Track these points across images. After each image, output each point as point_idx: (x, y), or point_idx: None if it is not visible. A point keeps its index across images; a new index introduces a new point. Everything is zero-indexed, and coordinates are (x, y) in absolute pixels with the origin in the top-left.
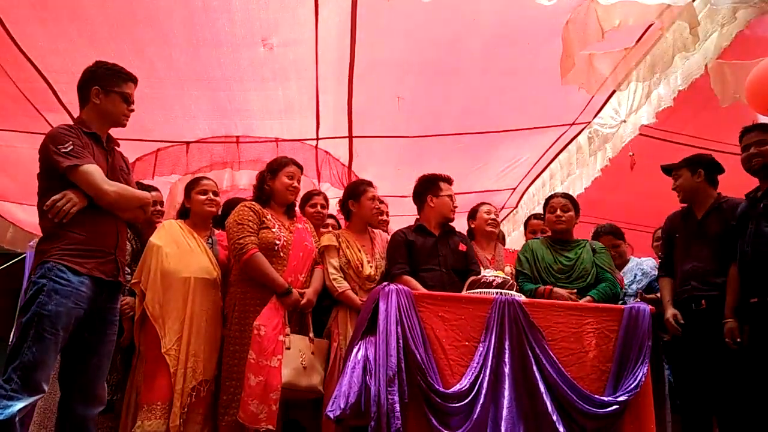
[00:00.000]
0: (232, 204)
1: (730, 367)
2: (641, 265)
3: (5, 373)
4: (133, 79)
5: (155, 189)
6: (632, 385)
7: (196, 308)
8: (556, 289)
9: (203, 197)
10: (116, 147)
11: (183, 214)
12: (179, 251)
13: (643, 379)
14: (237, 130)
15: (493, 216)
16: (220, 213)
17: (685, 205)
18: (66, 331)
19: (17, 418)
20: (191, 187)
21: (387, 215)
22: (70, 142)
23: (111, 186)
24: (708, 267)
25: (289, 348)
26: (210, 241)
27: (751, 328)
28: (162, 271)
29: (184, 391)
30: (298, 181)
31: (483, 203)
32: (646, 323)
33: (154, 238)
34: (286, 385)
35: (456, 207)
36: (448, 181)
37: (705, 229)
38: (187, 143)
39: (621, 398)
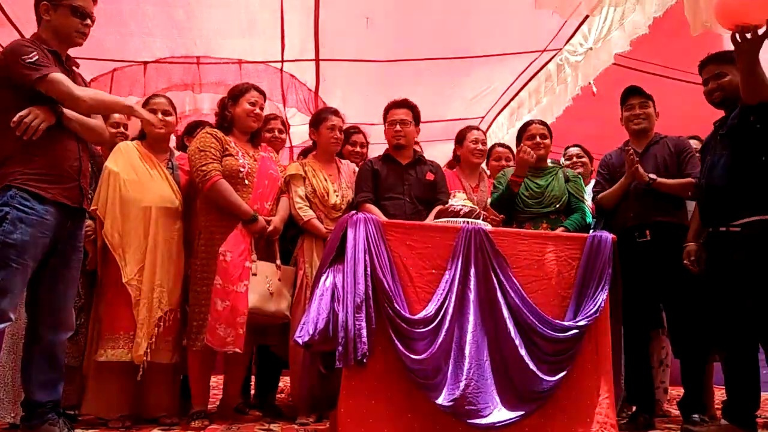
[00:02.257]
0: (194, 127)
1: (677, 291)
2: None
3: None
4: None
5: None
6: (592, 310)
7: (159, 238)
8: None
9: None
10: (75, 68)
11: (141, 135)
12: (138, 178)
13: (602, 304)
14: (197, 50)
15: (480, 146)
16: (182, 135)
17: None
18: (34, 260)
19: None
20: (142, 106)
21: (364, 146)
22: (35, 52)
23: (84, 91)
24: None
25: (255, 274)
26: (170, 165)
27: (708, 256)
28: (120, 199)
29: (150, 321)
30: (261, 108)
31: (471, 128)
32: (607, 251)
33: (110, 163)
34: (252, 310)
35: (398, 131)
36: (397, 105)
37: (648, 162)
38: (145, 63)
39: (581, 323)
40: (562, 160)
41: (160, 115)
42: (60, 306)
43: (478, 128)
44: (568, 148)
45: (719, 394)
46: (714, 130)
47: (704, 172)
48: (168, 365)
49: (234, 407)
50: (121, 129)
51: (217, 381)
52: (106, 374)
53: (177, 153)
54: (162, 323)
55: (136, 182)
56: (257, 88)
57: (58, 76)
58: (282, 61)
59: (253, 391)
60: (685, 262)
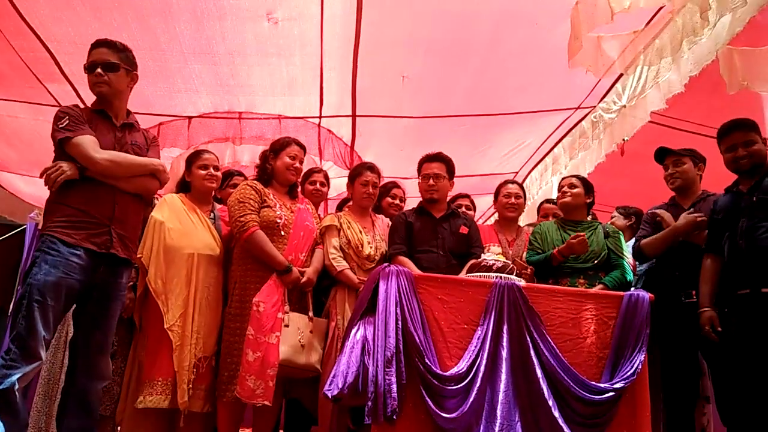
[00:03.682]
0: (227, 176)
1: (716, 357)
2: None
3: (6, 345)
4: (100, 44)
5: None
6: (629, 372)
7: (200, 284)
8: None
9: (204, 172)
10: (134, 123)
11: (183, 187)
12: (182, 227)
13: (640, 366)
14: (240, 106)
15: (513, 200)
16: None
17: (672, 195)
18: (56, 300)
19: (17, 387)
20: (192, 160)
21: (403, 200)
22: (66, 118)
23: (101, 153)
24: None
25: (287, 325)
26: (212, 216)
27: (739, 320)
28: (165, 247)
29: (189, 367)
30: (301, 162)
31: (507, 182)
32: (644, 310)
33: (156, 213)
34: (283, 362)
35: (432, 185)
36: (430, 159)
37: None
38: (190, 118)
39: (617, 385)
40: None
41: (211, 170)
42: (96, 353)
43: (514, 181)
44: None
45: None
46: (735, 193)
47: (741, 234)
48: (199, 414)
49: None
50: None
51: None
52: (140, 422)
53: (219, 206)
54: (196, 369)
55: (180, 231)
56: (298, 143)
57: (80, 139)
58: (320, 117)
59: None
60: (706, 328)
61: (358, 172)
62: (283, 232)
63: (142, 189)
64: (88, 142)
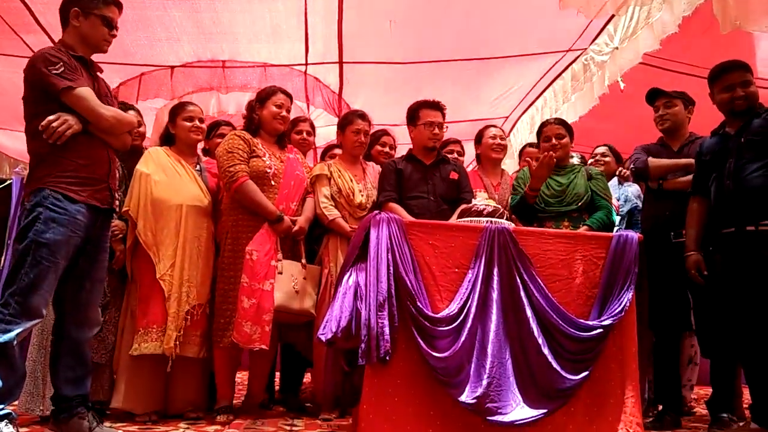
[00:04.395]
0: (214, 126)
1: (702, 292)
2: (625, 192)
3: (2, 298)
4: (116, 3)
5: (132, 107)
6: (617, 310)
7: (189, 235)
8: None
9: (189, 124)
10: (99, 73)
11: (167, 140)
12: (168, 179)
13: (628, 303)
14: (223, 55)
15: (498, 141)
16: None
17: (661, 136)
18: (65, 259)
19: (15, 342)
20: (176, 112)
21: (393, 148)
22: (61, 64)
23: (108, 110)
24: None
25: (281, 273)
26: (198, 168)
27: (723, 257)
28: (152, 200)
29: (178, 315)
30: (288, 111)
31: (489, 126)
32: (633, 250)
33: (141, 166)
34: (278, 308)
35: (437, 134)
36: (432, 106)
37: None
38: (172, 67)
39: (606, 322)
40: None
41: (197, 122)
42: (86, 304)
43: (495, 126)
44: (597, 147)
45: (748, 394)
46: (722, 135)
47: (728, 175)
48: (195, 360)
49: (258, 403)
50: (139, 129)
51: (242, 377)
52: (137, 369)
53: (205, 158)
54: (189, 317)
55: (166, 183)
56: (284, 91)
57: (84, 91)
58: (306, 64)
59: (277, 388)
60: (693, 272)
61: (349, 120)
62: (273, 182)
63: (123, 146)
64: (91, 96)
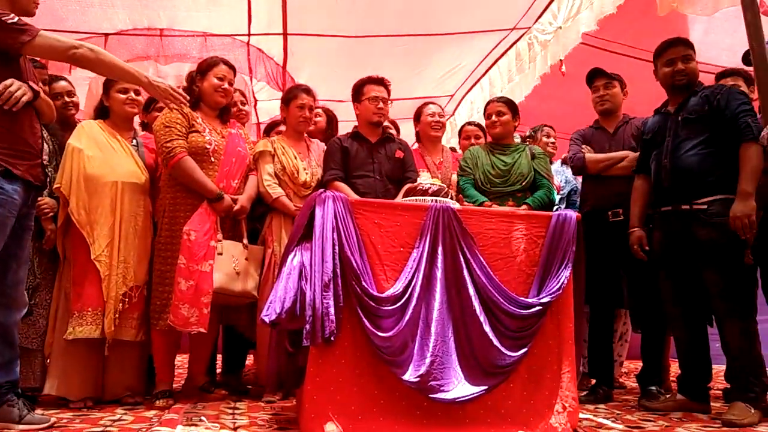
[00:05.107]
0: (150, 101)
1: (636, 269)
2: (565, 174)
3: None
4: None
5: (63, 78)
6: (555, 287)
7: (125, 214)
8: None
9: (123, 96)
10: None
11: (102, 113)
12: (102, 154)
13: (566, 281)
14: (161, 22)
15: (437, 119)
16: (141, 111)
17: (596, 118)
18: (1, 241)
19: None
20: (110, 83)
21: (332, 127)
22: (12, 14)
23: (82, 44)
24: None
25: (221, 253)
26: (135, 143)
27: (661, 234)
28: (85, 176)
29: (115, 297)
30: (230, 84)
31: (427, 103)
32: (571, 229)
33: (74, 141)
34: (217, 290)
35: (381, 108)
36: (376, 82)
37: (619, 142)
38: (106, 35)
39: (544, 299)
40: (528, 132)
41: (132, 95)
42: (13, 286)
43: (433, 102)
44: (544, 126)
45: (675, 367)
46: (663, 114)
47: (665, 154)
48: (133, 343)
49: (199, 386)
50: (68, 98)
51: (182, 360)
52: (70, 353)
53: (142, 132)
54: (126, 299)
55: (101, 159)
56: (227, 63)
57: (48, 33)
58: (249, 35)
59: (219, 370)
60: (635, 247)
61: (293, 94)
62: (213, 159)
63: (51, 118)
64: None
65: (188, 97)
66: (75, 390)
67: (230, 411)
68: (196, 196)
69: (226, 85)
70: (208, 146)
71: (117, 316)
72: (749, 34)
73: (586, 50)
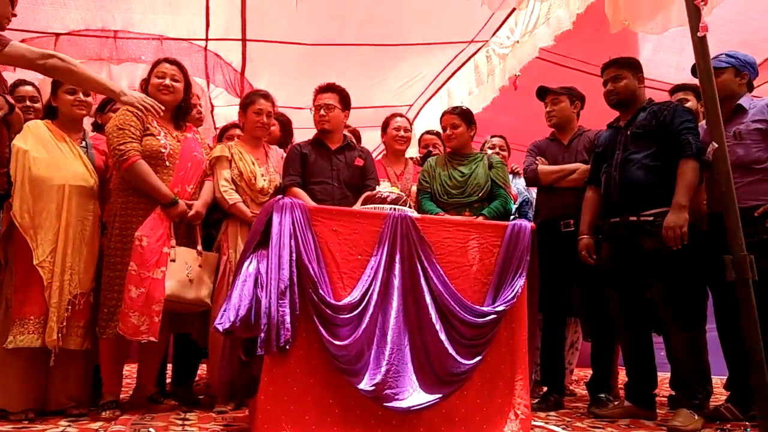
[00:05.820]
0: (105, 103)
1: (587, 278)
2: (517, 185)
3: None
4: None
5: (31, 84)
6: (510, 296)
7: (72, 218)
8: None
9: (71, 97)
10: None
11: (49, 113)
12: (49, 156)
13: (520, 290)
14: (115, 24)
15: (402, 133)
16: (95, 111)
17: (552, 131)
18: None
19: None
20: (58, 83)
21: (287, 134)
22: None
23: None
24: None
25: (174, 260)
26: (84, 144)
27: (609, 245)
28: (31, 179)
29: (60, 304)
30: (174, 80)
31: (394, 115)
32: (526, 239)
33: (19, 142)
34: (169, 298)
35: (323, 116)
36: (323, 89)
37: (572, 154)
38: (57, 35)
39: (499, 308)
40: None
41: (80, 96)
42: None
43: (402, 115)
44: (492, 137)
45: (623, 375)
46: (614, 128)
47: (614, 167)
48: (78, 352)
49: (148, 396)
50: (29, 103)
51: (130, 370)
52: (11, 363)
53: (91, 133)
54: (72, 307)
55: (47, 161)
56: (170, 60)
57: (18, 43)
58: (206, 40)
59: (169, 380)
60: (583, 254)
61: (251, 100)
62: (168, 163)
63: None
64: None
65: (163, 108)
66: (15, 401)
67: (180, 422)
68: (149, 200)
69: (167, 81)
70: (162, 150)
71: (63, 324)
72: (696, 52)
73: (543, 64)
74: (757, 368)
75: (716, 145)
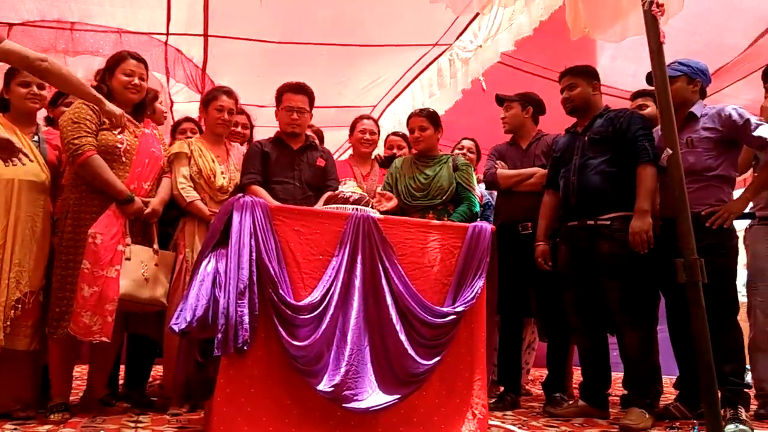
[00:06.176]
0: (59, 96)
1: (543, 281)
2: (480, 188)
3: None
4: None
5: None
6: (469, 297)
7: (22, 214)
8: None
9: (24, 90)
10: None
11: (1, 106)
12: None
13: (479, 291)
14: (72, 16)
15: (367, 136)
16: (48, 105)
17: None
18: None
19: None
20: (11, 75)
21: (247, 128)
22: None
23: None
24: None
25: (129, 258)
26: (36, 138)
27: (567, 248)
28: None
29: (7, 303)
30: (141, 78)
31: (362, 117)
32: (486, 240)
33: None
34: (124, 297)
35: (295, 119)
36: (294, 89)
37: (530, 158)
38: (10, 25)
39: (459, 309)
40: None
41: (34, 89)
42: None
43: (370, 117)
44: (463, 139)
45: (577, 375)
46: (572, 133)
47: (572, 171)
48: (25, 353)
49: (99, 398)
50: None
51: (81, 371)
52: None
53: (44, 128)
54: (20, 306)
55: None
56: (136, 56)
57: (11, 42)
58: (167, 34)
59: (122, 382)
60: (539, 260)
61: (213, 96)
62: (124, 159)
63: None
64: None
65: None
66: None
67: (132, 425)
68: (103, 197)
69: (136, 80)
70: (119, 145)
71: (8, 324)
72: (653, 61)
73: (504, 69)
74: (706, 368)
75: (671, 152)
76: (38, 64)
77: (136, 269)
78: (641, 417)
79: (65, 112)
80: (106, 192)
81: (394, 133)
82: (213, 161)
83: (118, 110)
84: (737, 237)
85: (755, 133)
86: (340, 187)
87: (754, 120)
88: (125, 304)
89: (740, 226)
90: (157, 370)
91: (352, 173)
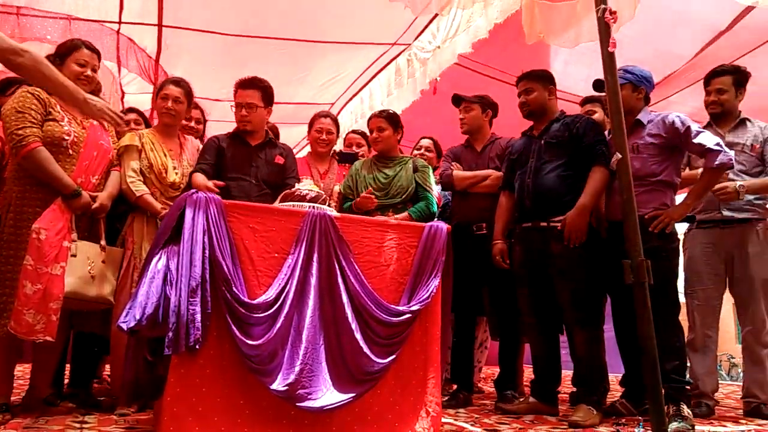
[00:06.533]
0: (6, 85)
1: (497, 280)
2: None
3: None
4: None
5: None
6: (425, 296)
7: None
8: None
9: None
10: None
11: None
12: None
13: (435, 290)
14: (18, 0)
15: (324, 136)
16: None
17: (466, 137)
18: None
19: None
20: None
21: (200, 122)
22: None
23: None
24: None
25: (75, 255)
26: None
27: (521, 248)
28: None
29: None
30: (93, 70)
31: (320, 115)
32: (442, 240)
33: None
34: (69, 295)
35: (244, 115)
36: (244, 85)
37: (485, 160)
38: None
39: (414, 307)
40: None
41: None
42: None
43: (328, 115)
44: (422, 138)
45: (528, 372)
46: (529, 136)
47: (528, 174)
48: None
49: (43, 398)
50: None
51: (24, 370)
52: None
53: None
54: None
55: None
56: (90, 46)
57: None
58: (119, 23)
59: (67, 381)
60: (497, 258)
61: (160, 85)
62: (71, 151)
63: None
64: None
65: (129, 120)
66: None
67: (78, 425)
68: (48, 190)
69: (89, 72)
70: (66, 137)
71: None
72: (605, 67)
73: (461, 71)
74: (651, 366)
75: (620, 156)
76: (12, 59)
77: (82, 266)
78: (589, 414)
79: (8, 101)
80: (52, 185)
81: (354, 131)
82: (165, 155)
83: (99, 102)
84: (679, 240)
85: (695, 140)
86: (296, 185)
87: (695, 127)
88: (71, 302)
89: (680, 229)
90: (105, 369)
91: (309, 171)
